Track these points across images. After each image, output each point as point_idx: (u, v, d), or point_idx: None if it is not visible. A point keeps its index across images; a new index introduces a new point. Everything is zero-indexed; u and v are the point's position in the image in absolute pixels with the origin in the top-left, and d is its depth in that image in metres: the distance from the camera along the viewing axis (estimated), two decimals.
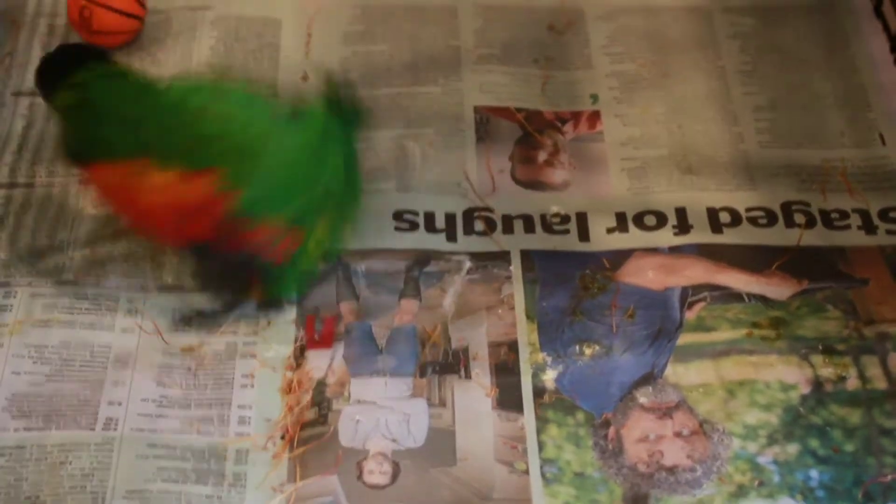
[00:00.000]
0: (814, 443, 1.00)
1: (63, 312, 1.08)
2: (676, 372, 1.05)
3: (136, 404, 1.03)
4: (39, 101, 1.28)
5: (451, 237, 1.16)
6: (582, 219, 1.18)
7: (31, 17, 1.39)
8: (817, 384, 1.03)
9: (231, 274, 1.00)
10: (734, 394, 1.03)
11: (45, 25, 1.38)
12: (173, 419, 1.02)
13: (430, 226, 1.17)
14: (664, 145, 1.24)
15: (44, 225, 1.16)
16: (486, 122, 1.27)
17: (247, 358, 1.06)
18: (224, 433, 1.01)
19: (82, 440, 1.00)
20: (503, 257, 1.14)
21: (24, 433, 1.00)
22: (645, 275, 1.12)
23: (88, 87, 0.98)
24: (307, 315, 1.09)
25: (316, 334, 1.08)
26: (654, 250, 1.14)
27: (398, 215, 1.17)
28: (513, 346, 1.07)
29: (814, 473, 0.99)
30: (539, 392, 1.04)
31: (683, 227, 1.16)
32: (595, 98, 1.30)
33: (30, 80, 1.30)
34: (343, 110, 0.98)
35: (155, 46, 1.34)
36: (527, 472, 0.99)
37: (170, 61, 1.33)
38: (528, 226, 1.17)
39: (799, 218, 1.17)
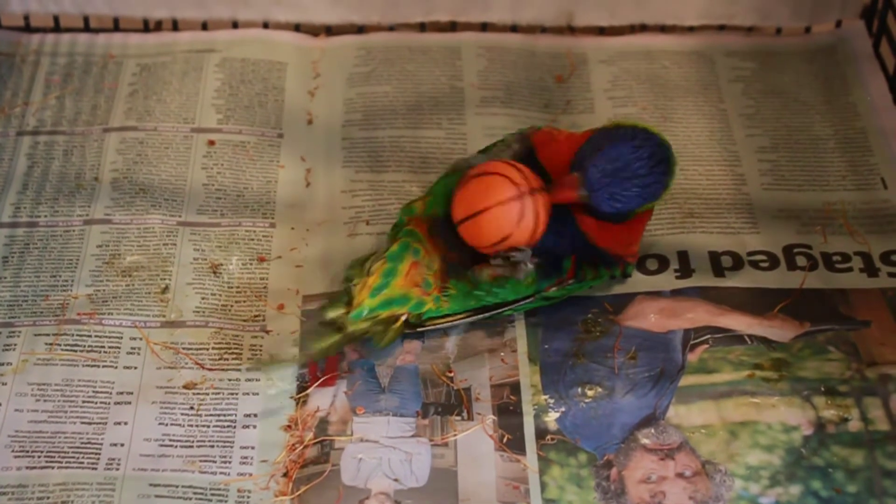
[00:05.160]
0: (816, 484, 0.99)
1: (66, 350, 1.09)
2: (678, 413, 1.04)
3: (139, 444, 1.02)
4: (43, 140, 1.28)
5: None
6: None
7: (34, 55, 1.39)
8: (819, 425, 1.03)
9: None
10: (736, 435, 1.03)
11: (48, 64, 1.38)
12: (175, 458, 1.01)
13: None
14: None
15: (47, 264, 1.16)
16: None
17: (249, 396, 1.06)
18: (226, 472, 1.01)
19: (85, 479, 1.00)
20: None
21: (26, 472, 1.00)
22: (647, 318, 1.12)
23: None
24: None
25: (318, 371, 1.08)
26: (656, 294, 1.14)
27: None
28: (515, 388, 1.07)
29: None
30: (541, 433, 1.03)
31: (685, 270, 1.17)
32: None
33: (33, 119, 1.31)
34: None
35: (160, 87, 1.35)
36: None
37: (175, 102, 1.33)
38: None
39: (801, 261, 1.17)
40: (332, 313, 1.08)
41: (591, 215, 1.08)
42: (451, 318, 1.10)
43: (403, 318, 1.08)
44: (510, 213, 1.04)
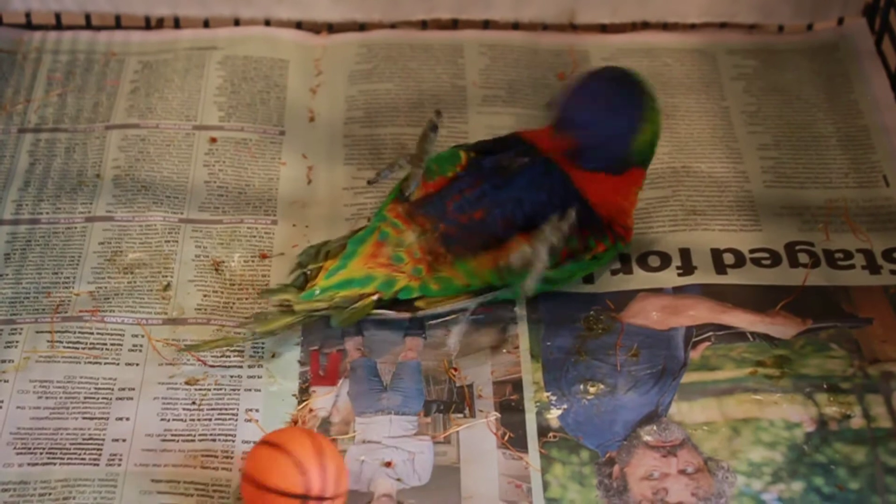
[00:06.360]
0: (818, 481, 0.99)
1: (68, 347, 1.09)
2: (681, 410, 1.04)
3: (140, 439, 1.02)
4: (44, 137, 1.28)
5: None
6: None
7: (36, 52, 1.39)
8: (822, 422, 1.03)
9: None
10: (738, 431, 1.03)
11: (50, 61, 1.39)
12: (177, 453, 1.01)
13: None
14: (668, 185, 1.24)
15: (49, 262, 1.16)
16: None
17: (251, 392, 1.06)
18: (228, 467, 1.01)
19: (86, 476, 1.00)
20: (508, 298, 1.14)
21: (27, 468, 1.00)
22: (649, 315, 1.12)
23: None
24: (311, 350, 1.09)
25: (321, 370, 1.07)
26: (658, 291, 1.14)
27: None
28: (517, 385, 1.07)
29: None
30: (543, 430, 1.03)
31: (687, 268, 1.17)
32: None
33: (35, 116, 1.31)
34: None
35: (162, 84, 1.35)
36: None
37: (177, 99, 1.33)
38: None
39: (803, 258, 1.17)
40: (279, 296, 1.09)
41: (579, 165, 1.11)
42: (448, 302, 1.10)
43: (374, 297, 1.08)
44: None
